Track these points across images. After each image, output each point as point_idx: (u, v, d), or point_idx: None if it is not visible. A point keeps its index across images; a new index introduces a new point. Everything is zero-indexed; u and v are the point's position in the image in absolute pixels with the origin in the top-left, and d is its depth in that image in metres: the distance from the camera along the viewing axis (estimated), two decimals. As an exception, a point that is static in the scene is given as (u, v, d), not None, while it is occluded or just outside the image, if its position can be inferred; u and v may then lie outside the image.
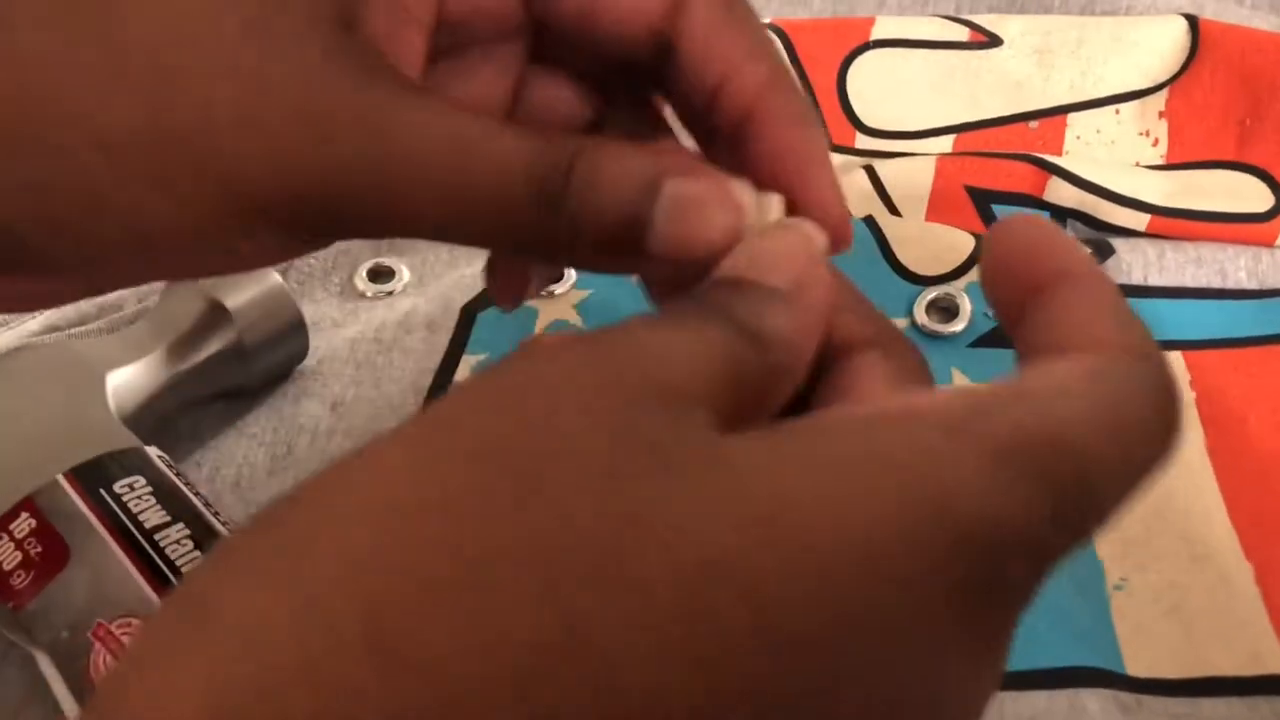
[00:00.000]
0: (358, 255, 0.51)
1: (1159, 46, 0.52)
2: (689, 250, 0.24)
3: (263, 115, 0.24)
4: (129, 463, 0.35)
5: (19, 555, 0.32)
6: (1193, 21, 0.52)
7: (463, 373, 0.45)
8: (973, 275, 0.47)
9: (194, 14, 0.24)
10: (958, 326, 0.45)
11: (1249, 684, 0.34)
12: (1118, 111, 0.52)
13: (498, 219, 0.25)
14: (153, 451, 0.36)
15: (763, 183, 0.26)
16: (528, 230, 0.25)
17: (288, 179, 0.24)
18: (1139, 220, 0.48)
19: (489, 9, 0.28)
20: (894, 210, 0.50)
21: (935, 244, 0.48)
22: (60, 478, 0.33)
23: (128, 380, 0.39)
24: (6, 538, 0.33)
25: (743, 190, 0.25)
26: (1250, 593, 0.37)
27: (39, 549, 0.32)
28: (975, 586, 0.18)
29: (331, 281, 0.50)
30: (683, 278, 0.24)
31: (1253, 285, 0.46)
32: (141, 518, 0.33)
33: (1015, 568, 0.18)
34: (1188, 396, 0.43)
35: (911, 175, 0.50)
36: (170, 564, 0.32)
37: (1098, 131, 0.52)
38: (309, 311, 0.48)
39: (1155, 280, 0.46)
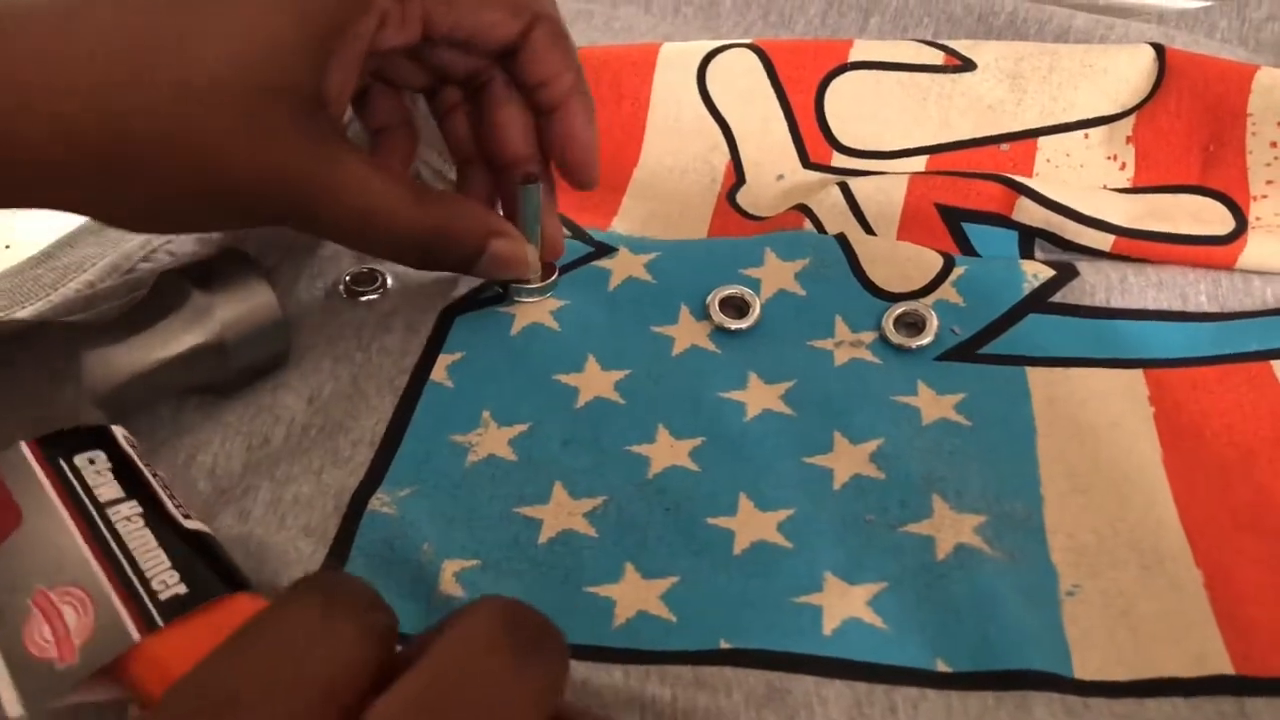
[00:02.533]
0: (343, 264, 0.52)
1: (1127, 74, 0.53)
2: (494, 275, 0.46)
3: (262, 146, 0.38)
4: (92, 439, 0.35)
5: None
6: (1160, 50, 0.53)
7: (439, 371, 0.46)
8: (940, 292, 0.48)
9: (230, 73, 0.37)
10: (924, 340, 0.46)
11: (1194, 684, 0.35)
12: (1087, 136, 0.53)
13: (390, 246, 0.43)
14: (119, 431, 0.36)
15: (555, 148, 0.47)
16: (407, 252, 0.43)
17: (279, 214, 0.40)
18: (1104, 241, 0.49)
19: (401, 51, 0.44)
20: (867, 226, 0.51)
21: (904, 262, 0.49)
22: (22, 444, 0.34)
23: (103, 362, 0.40)
24: None
25: (527, 248, 0.46)
26: (1199, 598, 0.38)
27: None
28: None
29: (316, 285, 0.51)
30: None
31: (1213, 309, 0.47)
32: (97, 492, 0.33)
33: None
34: (1146, 412, 0.44)
35: (885, 192, 0.52)
36: (119, 539, 0.32)
37: (1067, 155, 0.53)
38: (290, 309, 0.49)
39: (1118, 302, 0.47)
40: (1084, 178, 0.53)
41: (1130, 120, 0.53)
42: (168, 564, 0.31)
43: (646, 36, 0.68)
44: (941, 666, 0.36)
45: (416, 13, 0.41)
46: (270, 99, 0.37)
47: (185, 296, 0.42)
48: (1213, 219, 0.49)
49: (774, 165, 0.56)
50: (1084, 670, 0.36)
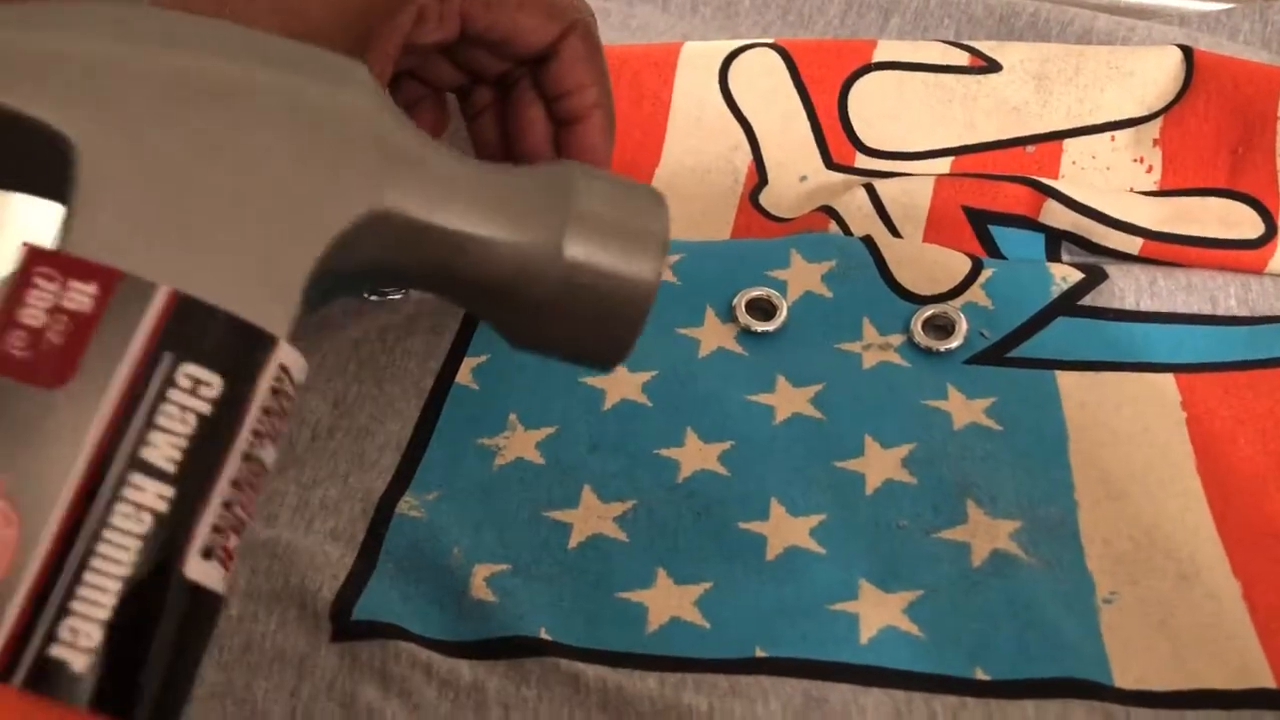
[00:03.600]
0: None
1: (1155, 76, 0.53)
2: None
3: None
4: (235, 349, 0.25)
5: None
6: (1188, 52, 0.53)
7: (464, 374, 0.45)
8: (969, 295, 0.47)
9: None
10: (953, 344, 0.46)
11: (1235, 697, 0.35)
12: (1113, 138, 0.53)
13: None
14: (288, 355, 0.26)
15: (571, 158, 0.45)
16: None
17: None
18: (1132, 244, 0.48)
19: (438, 31, 0.42)
20: (892, 228, 0.51)
21: (932, 264, 0.49)
22: (163, 289, 0.25)
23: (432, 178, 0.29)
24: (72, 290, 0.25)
25: None
26: (1238, 608, 0.37)
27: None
28: None
29: None
30: None
31: (1243, 313, 0.47)
32: (149, 437, 0.24)
33: None
34: (1179, 417, 0.43)
35: (910, 194, 0.51)
36: (97, 536, 0.23)
37: (1093, 157, 0.53)
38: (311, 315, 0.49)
39: (1147, 306, 0.47)
40: (1110, 180, 0.53)
41: (1157, 123, 0.53)
42: (106, 613, 0.23)
43: (664, 35, 0.67)
44: (980, 675, 0.36)
45: (455, 11, 0.41)
46: None
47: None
48: (1242, 222, 0.49)
49: (797, 166, 0.55)
50: (1124, 679, 0.36)
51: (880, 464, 0.42)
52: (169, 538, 0.24)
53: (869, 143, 0.55)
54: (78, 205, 0.26)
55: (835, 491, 0.41)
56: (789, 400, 0.44)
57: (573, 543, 0.40)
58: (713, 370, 0.46)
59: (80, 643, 0.23)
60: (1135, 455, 0.42)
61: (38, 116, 0.26)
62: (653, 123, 0.57)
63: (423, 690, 0.35)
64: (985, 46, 0.56)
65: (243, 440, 0.25)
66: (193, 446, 0.24)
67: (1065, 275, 0.48)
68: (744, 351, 0.46)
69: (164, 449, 0.24)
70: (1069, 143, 0.53)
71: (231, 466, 0.25)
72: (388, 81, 0.42)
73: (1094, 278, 0.47)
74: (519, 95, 0.46)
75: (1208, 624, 0.37)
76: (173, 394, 0.24)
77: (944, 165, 0.54)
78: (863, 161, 0.55)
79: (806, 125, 0.56)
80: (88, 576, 0.23)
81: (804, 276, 0.48)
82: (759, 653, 0.36)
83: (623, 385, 0.45)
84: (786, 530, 0.40)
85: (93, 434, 0.24)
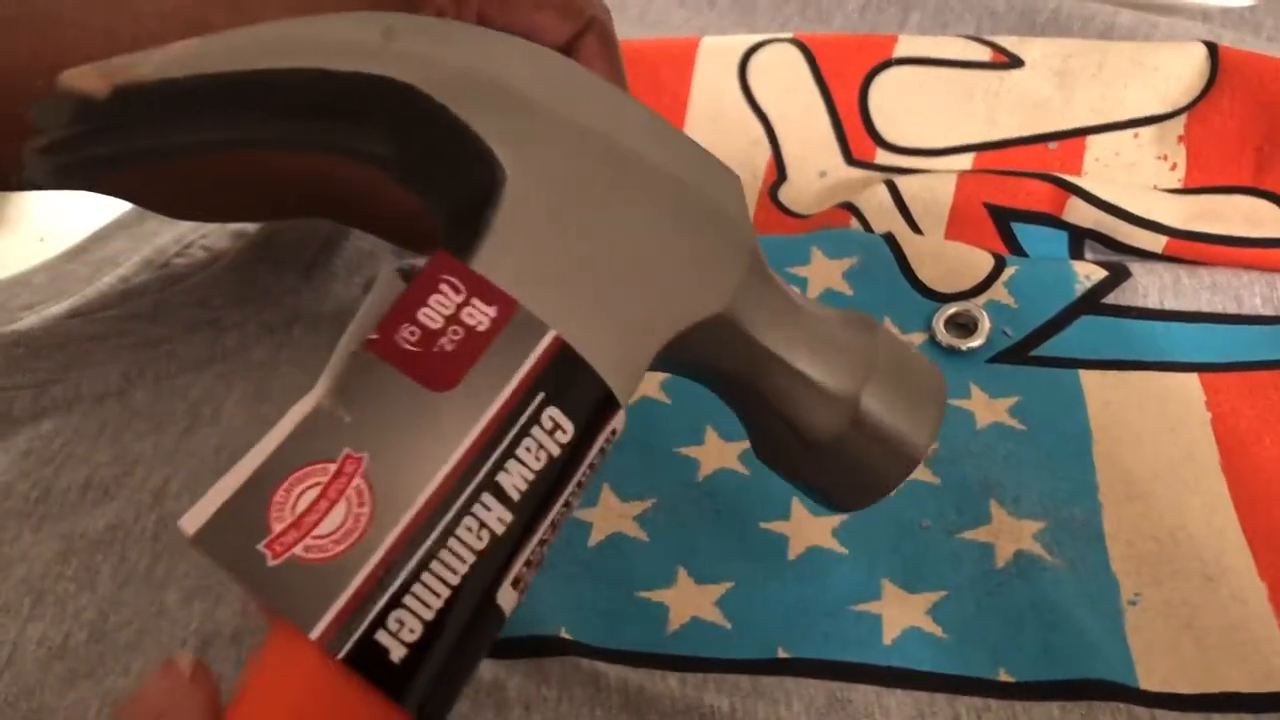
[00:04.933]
0: (381, 261, 0.51)
1: (1179, 72, 0.52)
2: None
3: None
4: (590, 400, 0.27)
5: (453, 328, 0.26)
6: (1212, 49, 0.52)
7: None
8: (991, 293, 0.47)
9: None
10: (975, 342, 0.45)
11: (1262, 700, 0.35)
12: (1137, 135, 0.52)
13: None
14: (619, 422, 0.28)
15: None
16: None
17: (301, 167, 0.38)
18: (1156, 242, 0.48)
19: None
20: (914, 225, 0.51)
21: (954, 261, 0.48)
22: (551, 332, 0.26)
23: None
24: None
25: None
26: (1264, 611, 0.37)
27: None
28: None
29: (354, 281, 0.50)
30: None
31: (1268, 311, 0.46)
32: (507, 466, 0.25)
33: None
34: (1204, 417, 0.43)
35: (932, 191, 0.51)
36: (447, 533, 0.25)
37: (1116, 154, 0.53)
38: (328, 305, 0.49)
39: (1171, 304, 0.47)
40: (1134, 177, 0.52)
41: (1182, 119, 0.52)
42: (430, 614, 0.24)
43: (681, 30, 0.67)
44: (1004, 676, 0.35)
45: (472, 12, 0.41)
46: None
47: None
48: (1267, 221, 0.48)
49: (816, 161, 0.55)
50: (1149, 681, 0.35)
51: (902, 463, 0.41)
52: (498, 560, 0.25)
53: (890, 139, 0.55)
54: (495, 229, 0.27)
55: None
56: (810, 398, 0.44)
57: (592, 541, 0.39)
58: (733, 368, 0.45)
59: (403, 635, 0.24)
60: (1159, 456, 0.42)
61: (483, 137, 0.28)
62: (671, 117, 0.57)
63: (443, 689, 0.35)
64: (1007, 42, 0.55)
65: (572, 486, 0.27)
66: (537, 482, 0.26)
67: (1089, 273, 0.47)
68: (764, 349, 0.46)
69: (515, 478, 0.25)
70: (1092, 139, 0.53)
71: (557, 508, 0.26)
72: None
73: (1117, 276, 0.47)
74: (579, 56, 0.45)
75: (1234, 626, 0.36)
76: (535, 430, 0.26)
77: (966, 161, 0.54)
78: (883, 157, 0.55)
79: (827, 121, 0.55)
80: (425, 576, 0.24)
81: (825, 273, 0.48)
82: (781, 653, 0.36)
83: (642, 383, 0.44)
84: (808, 530, 0.39)
85: (463, 446, 0.25)
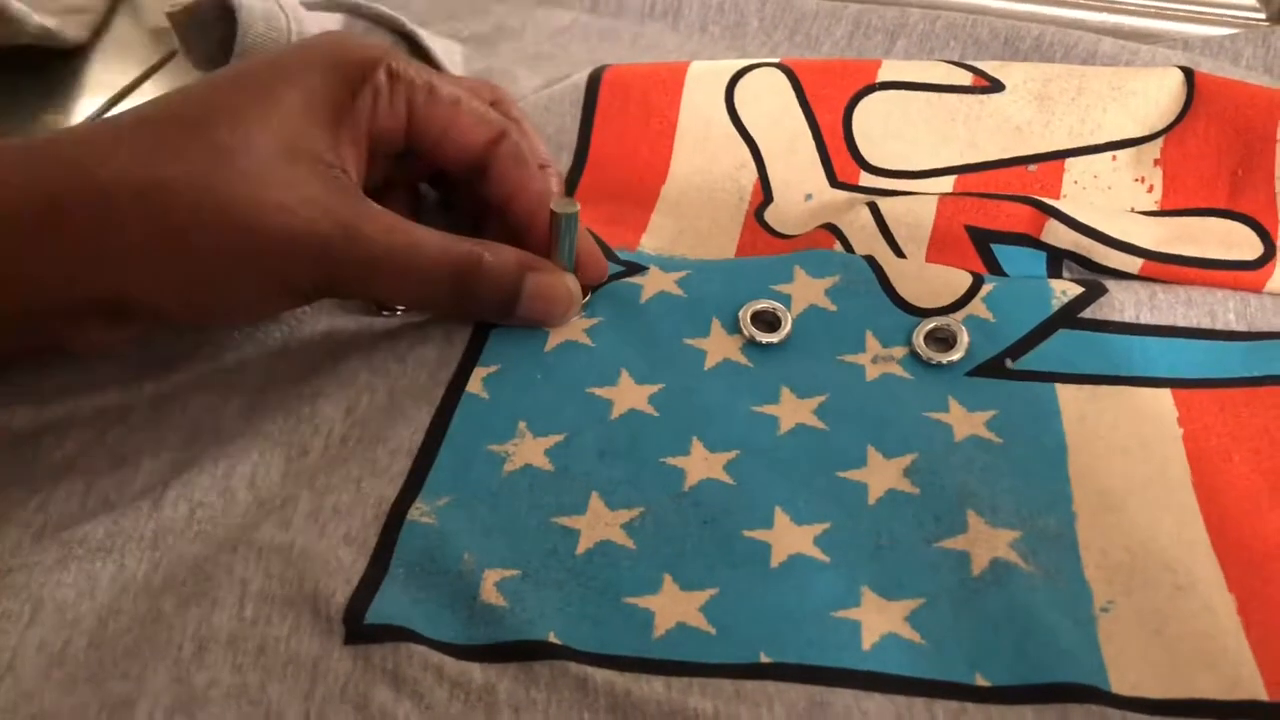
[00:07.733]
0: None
1: (1156, 96, 0.54)
2: (537, 314, 0.47)
3: (290, 193, 0.41)
4: None
5: None
6: (1189, 74, 0.54)
7: (474, 383, 0.46)
8: (970, 308, 0.48)
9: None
10: (955, 356, 0.46)
11: (1229, 708, 0.36)
12: (1114, 158, 0.54)
13: (421, 284, 0.44)
14: None
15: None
16: (441, 289, 0.44)
17: (316, 268, 0.42)
18: (1132, 264, 0.49)
19: (392, 140, 0.46)
20: (895, 246, 0.52)
21: (934, 280, 0.50)
22: None
23: None
24: None
25: (568, 279, 0.47)
26: (1232, 623, 0.38)
27: None
28: None
29: (350, 305, 0.51)
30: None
31: (1241, 327, 0.48)
32: None
33: None
34: (1175, 433, 0.44)
35: (914, 214, 0.52)
36: None
37: (1095, 177, 0.54)
38: (324, 326, 0.50)
39: (1147, 319, 0.48)
40: (1111, 200, 0.53)
41: (1158, 143, 0.53)
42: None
43: (673, 55, 0.69)
44: (980, 680, 0.36)
45: (402, 96, 0.45)
46: (295, 155, 0.41)
47: None
48: (1241, 243, 0.50)
49: (802, 184, 0.56)
50: (1121, 685, 0.36)
51: (883, 474, 0.43)
52: None
53: (874, 161, 0.56)
54: None
55: (839, 501, 0.42)
56: (793, 411, 0.45)
57: (580, 549, 0.40)
58: (718, 381, 0.46)
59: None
60: (1133, 470, 0.43)
61: None
62: (660, 141, 0.58)
63: (434, 692, 0.36)
64: (988, 66, 0.57)
65: None
66: None
67: (1065, 289, 0.48)
68: (749, 363, 0.47)
69: None
70: (1071, 162, 0.54)
71: None
72: (362, 169, 0.45)
73: (1094, 291, 0.48)
74: (497, 163, 0.48)
75: (1203, 635, 0.37)
76: None
77: (947, 184, 0.55)
78: (867, 180, 0.56)
79: (811, 144, 0.57)
80: None
81: (808, 291, 0.49)
82: (763, 658, 0.37)
83: (630, 396, 0.45)
84: (791, 538, 0.40)
85: None
